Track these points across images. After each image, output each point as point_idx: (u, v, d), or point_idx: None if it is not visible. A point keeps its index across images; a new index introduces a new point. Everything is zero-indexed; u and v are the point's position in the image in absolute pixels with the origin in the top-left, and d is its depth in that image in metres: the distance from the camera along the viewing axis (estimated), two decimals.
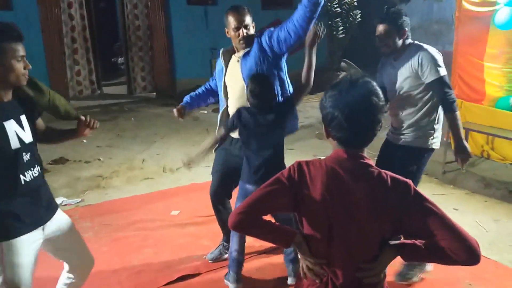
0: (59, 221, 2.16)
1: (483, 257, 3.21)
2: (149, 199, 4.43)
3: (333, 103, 1.41)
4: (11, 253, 1.93)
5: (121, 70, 10.62)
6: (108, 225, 3.83)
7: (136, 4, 9.13)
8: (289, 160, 2.08)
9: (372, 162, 1.47)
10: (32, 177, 1.98)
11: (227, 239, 3.16)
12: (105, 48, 10.32)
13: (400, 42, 2.80)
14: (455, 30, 5.44)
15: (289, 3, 9.99)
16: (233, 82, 2.87)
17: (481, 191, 4.42)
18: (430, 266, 2.97)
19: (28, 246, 1.98)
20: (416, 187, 2.78)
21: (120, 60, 10.81)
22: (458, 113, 2.75)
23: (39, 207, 2.04)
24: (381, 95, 1.43)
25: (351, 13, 9.35)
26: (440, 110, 2.83)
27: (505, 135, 4.78)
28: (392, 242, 1.47)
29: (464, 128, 5.10)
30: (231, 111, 2.84)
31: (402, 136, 2.87)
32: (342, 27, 9.39)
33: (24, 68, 1.91)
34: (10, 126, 1.90)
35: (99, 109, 8.23)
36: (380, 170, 1.44)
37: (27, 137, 1.97)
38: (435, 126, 2.84)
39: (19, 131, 1.94)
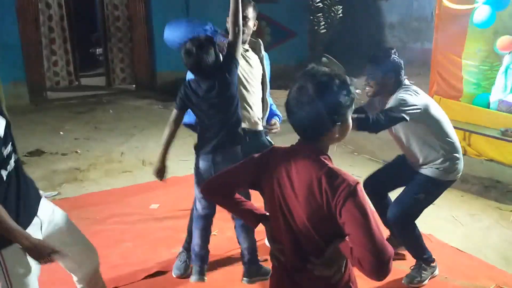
0: (55, 214, 2.04)
1: (458, 250, 3.31)
2: (128, 192, 4.38)
3: (290, 94, 1.45)
4: (14, 261, 1.78)
5: (100, 61, 10.44)
6: (85, 218, 3.77)
7: None
8: None
9: (327, 157, 1.44)
10: (12, 167, 1.80)
11: (187, 246, 3.00)
12: (83, 39, 10.12)
13: (385, 85, 2.66)
14: (435, 28, 5.51)
15: None
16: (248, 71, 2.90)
17: (458, 186, 4.49)
18: (437, 270, 2.98)
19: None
20: (417, 215, 2.76)
21: (99, 51, 10.62)
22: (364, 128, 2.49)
23: (27, 198, 1.89)
24: (335, 90, 1.38)
25: (333, 9, 9.38)
26: (451, 140, 2.74)
27: (482, 132, 4.87)
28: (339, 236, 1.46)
29: None
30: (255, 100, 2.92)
31: (427, 169, 2.77)
32: (323, 23, 9.41)
33: None
34: None
35: (76, 101, 8.09)
36: (330, 166, 1.41)
37: (1, 130, 1.76)
38: (447, 157, 2.72)
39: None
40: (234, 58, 2.55)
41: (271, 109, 3.14)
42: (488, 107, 5.11)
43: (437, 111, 2.75)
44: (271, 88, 3.13)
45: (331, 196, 1.36)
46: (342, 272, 1.50)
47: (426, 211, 2.90)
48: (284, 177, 1.46)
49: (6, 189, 1.78)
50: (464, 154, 5.18)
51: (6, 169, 1.77)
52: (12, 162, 1.82)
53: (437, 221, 3.75)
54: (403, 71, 2.70)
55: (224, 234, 3.42)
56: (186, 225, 3.08)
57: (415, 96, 2.61)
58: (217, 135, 2.57)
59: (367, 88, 2.72)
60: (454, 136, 2.80)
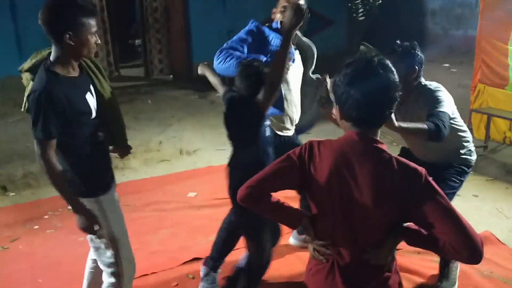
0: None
1: (504, 245, 3.19)
2: (166, 180, 4.45)
3: (349, 81, 1.39)
4: (111, 206, 2.12)
5: (138, 52, 10.62)
6: (125, 205, 3.82)
7: None
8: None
9: (386, 146, 1.44)
10: (102, 137, 2.13)
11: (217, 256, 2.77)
12: (122, 30, 10.31)
13: (407, 81, 2.48)
14: (480, 13, 5.28)
15: None
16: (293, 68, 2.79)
17: (502, 178, 4.34)
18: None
19: (116, 198, 2.23)
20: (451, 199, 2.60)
21: (138, 42, 10.80)
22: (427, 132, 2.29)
23: (111, 164, 2.24)
24: (396, 73, 1.42)
25: None
26: (464, 125, 2.67)
27: None
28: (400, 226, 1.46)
29: (486, 113, 5.02)
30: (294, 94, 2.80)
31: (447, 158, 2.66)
32: (362, 10, 9.21)
33: (95, 42, 1.96)
34: (89, 98, 2.02)
35: (116, 91, 8.12)
36: (392, 155, 1.41)
37: (95, 105, 2.09)
38: (467, 142, 2.68)
39: (93, 103, 2.06)
40: (261, 117, 2.32)
41: None
42: None
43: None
44: None
45: (409, 188, 1.36)
46: (394, 258, 1.50)
47: (468, 203, 2.81)
48: (343, 171, 1.41)
49: (103, 151, 2.16)
50: (509, 145, 5.01)
51: (100, 135, 2.11)
52: (102, 132, 2.14)
53: (481, 214, 3.63)
54: (422, 68, 2.57)
55: None
56: (223, 214, 2.89)
57: (447, 94, 2.51)
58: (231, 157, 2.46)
59: None
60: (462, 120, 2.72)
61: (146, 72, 9.52)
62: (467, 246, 1.31)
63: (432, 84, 2.55)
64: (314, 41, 3.14)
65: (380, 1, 9.16)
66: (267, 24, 2.79)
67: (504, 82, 5.12)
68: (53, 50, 1.93)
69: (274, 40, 2.70)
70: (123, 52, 10.08)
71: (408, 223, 1.46)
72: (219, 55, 2.62)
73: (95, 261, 2.35)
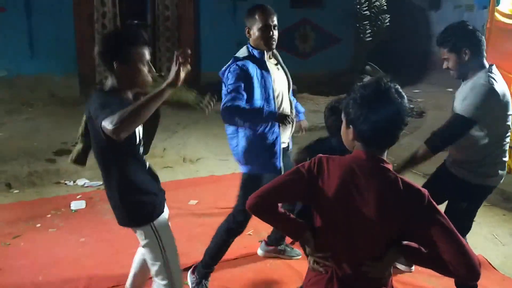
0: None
1: (496, 270, 3.23)
2: (168, 187, 4.37)
3: (361, 101, 1.47)
4: (163, 228, 2.17)
5: None
6: None
7: None
8: None
9: (391, 166, 1.51)
10: (148, 164, 2.20)
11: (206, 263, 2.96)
12: None
13: (464, 63, 2.49)
14: (485, 42, 5.37)
15: (318, 2, 9.98)
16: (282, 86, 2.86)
17: (500, 205, 4.39)
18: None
19: (167, 217, 2.25)
20: (469, 227, 2.64)
21: None
22: (429, 154, 2.47)
23: (161, 189, 2.28)
24: (406, 99, 1.49)
25: (380, 17, 9.29)
26: (500, 146, 2.54)
27: None
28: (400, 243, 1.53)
29: None
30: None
31: (459, 169, 2.61)
32: (369, 31, 9.33)
33: (148, 72, 2.05)
34: None
35: None
36: (397, 175, 1.48)
37: (140, 132, 2.16)
38: (494, 162, 2.55)
39: (139, 127, 2.13)
40: None
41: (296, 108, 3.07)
42: None
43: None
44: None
45: (412, 207, 1.43)
46: (391, 273, 1.57)
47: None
48: (350, 187, 1.49)
49: (148, 175, 2.20)
50: (509, 173, 5.06)
51: (146, 161, 2.19)
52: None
53: (477, 239, 3.67)
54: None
55: (259, 234, 3.48)
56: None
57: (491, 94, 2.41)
58: None
59: (450, 71, 2.57)
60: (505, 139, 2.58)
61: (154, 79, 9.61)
62: (465, 265, 1.38)
63: (486, 77, 2.49)
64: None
65: (388, 23, 9.28)
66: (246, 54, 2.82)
67: None
68: (109, 81, 2.06)
69: (253, 71, 2.74)
70: None
71: (408, 242, 1.52)
72: (229, 114, 2.79)
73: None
